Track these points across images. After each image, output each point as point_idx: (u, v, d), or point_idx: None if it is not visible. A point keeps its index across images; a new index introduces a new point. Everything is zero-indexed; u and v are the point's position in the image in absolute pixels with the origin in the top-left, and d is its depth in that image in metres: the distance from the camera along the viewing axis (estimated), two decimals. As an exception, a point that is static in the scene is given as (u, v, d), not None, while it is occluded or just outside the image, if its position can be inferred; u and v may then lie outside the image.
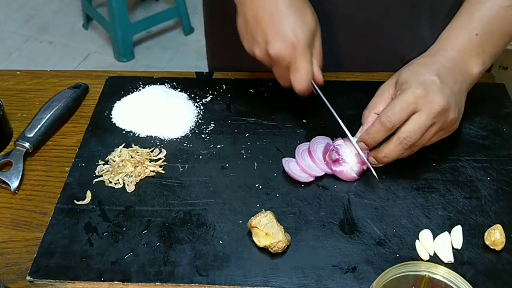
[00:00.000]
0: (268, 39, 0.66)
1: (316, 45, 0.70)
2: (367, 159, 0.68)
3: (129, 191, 0.69)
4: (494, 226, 0.62)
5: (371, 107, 0.70)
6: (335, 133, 0.75)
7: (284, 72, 0.70)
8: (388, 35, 0.86)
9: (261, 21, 0.67)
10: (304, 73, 0.68)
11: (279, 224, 0.62)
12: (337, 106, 0.75)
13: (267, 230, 0.60)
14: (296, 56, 0.67)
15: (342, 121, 0.71)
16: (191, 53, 2.56)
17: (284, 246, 0.61)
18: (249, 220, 0.62)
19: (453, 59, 0.69)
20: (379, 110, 0.68)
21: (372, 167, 0.68)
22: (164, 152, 0.74)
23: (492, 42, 0.71)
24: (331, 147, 0.71)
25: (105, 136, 0.77)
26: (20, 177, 0.72)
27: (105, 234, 0.64)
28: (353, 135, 0.71)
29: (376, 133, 0.66)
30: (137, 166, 0.71)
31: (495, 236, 0.61)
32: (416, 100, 0.64)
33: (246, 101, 0.82)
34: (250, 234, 0.63)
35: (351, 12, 0.83)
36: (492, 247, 0.61)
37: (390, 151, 0.66)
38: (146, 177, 0.71)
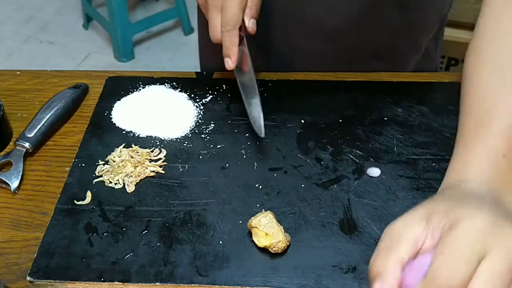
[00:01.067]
0: None
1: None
2: None
3: (129, 191, 0.69)
4: None
5: (394, 251, 0.45)
6: (334, 134, 0.75)
7: (215, 17, 0.71)
8: (358, 34, 0.86)
9: None
10: (233, 11, 0.68)
11: (279, 224, 0.62)
12: (337, 106, 0.75)
13: (267, 230, 0.60)
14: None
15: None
16: (191, 53, 2.56)
17: (284, 246, 0.61)
18: (249, 220, 0.62)
19: (484, 195, 0.49)
20: (406, 257, 0.44)
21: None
22: (164, 152, 0.74)
23: None
24: None
25: (105, 136, 0.77)
26: (20, 177, 0.72)
27: (105, 234, 0.64)
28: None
29: None
30: (137, 166, 0.71)
31: None
32: (482, 238, 0.42)
33: (246, 101, 0.81)
34: (250, 234, 0.63)
35: (320, 17, 0.83)
36: None
37: None
38: (146, 177, 0.71)
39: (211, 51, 0.99)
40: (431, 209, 0.46)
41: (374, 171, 0.70)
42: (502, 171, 0.51)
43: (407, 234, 0.45)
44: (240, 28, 0.71)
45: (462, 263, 0.41)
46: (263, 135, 0.70)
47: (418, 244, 0.44)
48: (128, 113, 0.80)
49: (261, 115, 0.70)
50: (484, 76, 0.56)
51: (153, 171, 0.71)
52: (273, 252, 0.61)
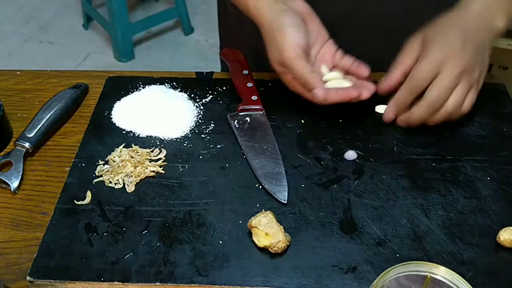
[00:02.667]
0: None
1: (314, 51, 0.76)
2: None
3: (129, 191, 0.69)
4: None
5: (399, 63, 0.74)
6: (334, 134, 0.75)
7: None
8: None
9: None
10: (297, 71, 0.71)
11: (279, 224, 0.62)
12: (338, 105, 0.75)
13: (267, 230, 0.60)
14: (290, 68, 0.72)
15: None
16: (191, 53, 2.56)
17: (284, 246, 0.61)
18: (249, 220, 0.62)
19: (478, 13, 0.71)
20: (405, 67, 0.72)
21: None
22: (164, 152, 0.74)
23: None
24: None
25: (105, 136, 0.77)
26: (20, 177, 0.72)
27: (105, 234, 0.64)
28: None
29: (404, 100, 0.72)
30: (137, 166, 0.71)
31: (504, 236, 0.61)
32: (439, 62, 0.68)
33: (246, 101, 0.81)
34: (250, 234, 0.63)
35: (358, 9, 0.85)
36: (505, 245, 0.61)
37: (421, 114, 0.71)
38: (146, 177, 0.71)
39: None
40: (426, 36, 0.72)
41: (350, 154, 0.73)
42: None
43: (411, 53, 0.73)
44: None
45: (424, 76, 0.69)
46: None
47: (413, 58, 0.72)
48: (128, 113, 0.80)
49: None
50: None
51: (153, 171, 0.71)
52: (273, 252, 0.61)
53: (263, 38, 0.74)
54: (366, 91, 0.73)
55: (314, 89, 0.71)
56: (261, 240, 0.61)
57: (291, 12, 0.73)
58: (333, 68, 0.77)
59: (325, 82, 0.75)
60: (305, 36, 0.72)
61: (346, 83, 0.75)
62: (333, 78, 0.76)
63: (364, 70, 0.75)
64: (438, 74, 0.69)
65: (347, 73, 0.77)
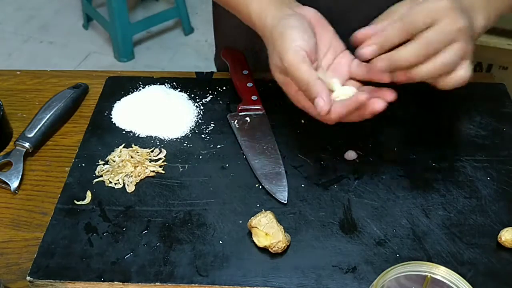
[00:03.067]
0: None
1: (326, 63, 0.67)
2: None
3: (129, 191, 0.69)
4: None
5: (381, 18, 0.63)
6: (335, 133, 0.75)
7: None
8: None
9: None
10: (298, 77, 0.61)
11: (279, 224, 0.62)
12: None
13: (267, 230, 0.60)
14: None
15: None
16: (191, 53, 2.56)
17: (284, 246, 0.61)
18: (249, 220, 0.62)
19: (467, 4, 0.63)
20: (396, 18, 0.61)
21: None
22: (164, 152, 0.74)
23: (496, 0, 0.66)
24: None
25: (105, 136, 0.77)
26: (20, 177, 0.72)
27: (105, 234, 0.64)
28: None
29: (394, 33, 0.59)
30: (137, 166, 0.71)
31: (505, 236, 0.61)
32: (439, 10, 0.58)
33: (246, 101, 0.82)
34: (250, 234, 0.63)
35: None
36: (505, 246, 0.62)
37: (412, 51, 0.58)
38: (146, 177, 0.71)
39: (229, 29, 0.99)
40: None
41: (350, 155, 0.72)
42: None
43: (395, 10, 0.62)
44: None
45: (425, 16, 0.58)
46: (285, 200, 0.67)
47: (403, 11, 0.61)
48: (128, 113, 0.80)
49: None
50: None
51: (153, 171, 0.71)
52: (273, 252, 0.61)
53: (267, 48, 0.67)
54: (380, 101, 0.60)
55: (316, 99, 0.60)
56: (261, 240, 0.61)
57: (296, 16, 0.65)
58: (348, 81, 0.67)
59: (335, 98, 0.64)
60: (309, 39, 0.63)
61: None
62: (344, 94, 0.63)
63: (386, 76, 0.63)
64: (436, 21, 0.58)
65: (366, 83, 0.66)
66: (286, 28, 0.63)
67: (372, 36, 0.61)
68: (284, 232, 0.61)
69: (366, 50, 0.61)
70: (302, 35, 0.63)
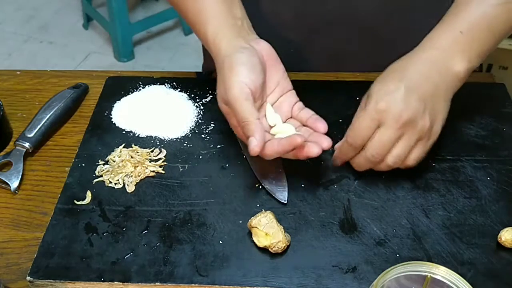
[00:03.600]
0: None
1: (271, 99, 0.69)
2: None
3: (129, 191, 0.69)
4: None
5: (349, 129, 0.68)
6: (334, 134, 0.75)
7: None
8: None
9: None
10: (240, 113, 0.63)
11: (279, 224, 0.62)
12: (337, 106, 0.75)
13: (267, 230, 0.60)
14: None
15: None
16: (191, 53, 2.56)
17: (284, 246, 0.61)
18: (249, 220, 0.62)
19: (432, 59, 0.66)
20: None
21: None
22: (164, 152, 0.74)
23: (479, 40, 0.67)
24: None
25: (105, 136, 0.77)
26: (20, 177, 0.72)
27: (105, 234, 0.64)
28: None
29: (346, 152, 0.68)
30: (137, 166, 0.71)
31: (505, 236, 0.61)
32: (378, 115, 0.63)
33: (246, 101, 0.81)
34: (250, 234, 0.63)
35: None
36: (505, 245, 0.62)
37: (361, 165, 0.67)
38: (146, 177, 0.71)
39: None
40: (369, 89, 0.67)
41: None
42: (457, 42, 0.66)
43: (360, 108, 0.67)
44: None
45: (363, 130, 0.64)
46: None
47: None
48: (128, 113, 0.80)
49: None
50: None
51: (153, 171, 0.71)
52: (273, 252, 0.61)
53: (217, 72, 0.67)
54: (316, 146, 0.62)
55: (250, 137, 0.61)
56: (261, 240, 0.61)
57: (248, 51, 0.65)
58: (290, 119, 0.70)
59: (274, 134, 0.67)
60: (257, 78, 0.65)
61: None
62: (283, 132, 0.66)
63: (322, 126, 0.67)
64: (379, 126, 0.63)
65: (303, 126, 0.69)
66: (237, 64, 0.64)
67: (336, 152, 0.70)
68: (284, 232, 0.61)
69: (334, 163, 0.71)
70: (250, 74, 0.64)
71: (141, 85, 0.85)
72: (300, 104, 0.70)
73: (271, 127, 0.67)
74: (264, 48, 0.68)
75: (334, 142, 0.75)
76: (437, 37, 0.68)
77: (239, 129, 0.65)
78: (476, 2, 0.67)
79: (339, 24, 0.85)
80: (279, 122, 0.67)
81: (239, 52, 0.65)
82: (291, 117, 0.70)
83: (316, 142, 0.64)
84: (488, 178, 0.70)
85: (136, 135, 0.77)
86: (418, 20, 0.84)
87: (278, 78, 0.69)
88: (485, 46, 0.68)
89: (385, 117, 0.63)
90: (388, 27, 0.85)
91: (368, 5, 0.83)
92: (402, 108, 0.62)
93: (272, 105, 0.69)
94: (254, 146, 0.61)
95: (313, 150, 0.62)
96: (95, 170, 0.72)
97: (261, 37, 0.71)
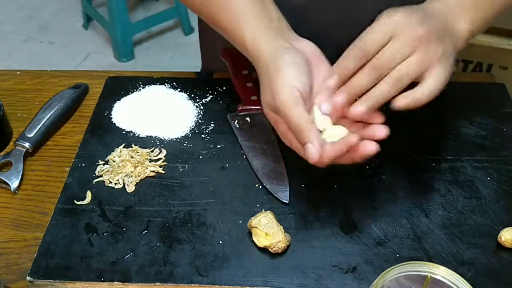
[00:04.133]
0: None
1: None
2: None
3: (129, 191, 0.69)
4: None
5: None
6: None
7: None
8: None
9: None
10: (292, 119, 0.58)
11: (279, 224, 0.62)
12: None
13: (267, 230, 0.60)
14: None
15: None
16: (191, 53, 2.56)
17: (284, 246, 0.61)
18: (249, 220, 0.62)
19: (439, 10, 0.63)
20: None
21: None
22: (164, 152, 0.74)
23: (481, 4, 0.65)
24: None
25: (105, 136, 0.77)
26: (20, 177, 0.72)
27: (105, 234, 0.64)
28: None
29: (347, 59, 0.59)
30: (137, 166, 0.71)
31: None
32: (394, 24, 0.58)
33: (246, 101, 0.82)
34: (250, 234, 0.63)
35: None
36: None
37: (363, 80, 0.58)
38: (146, 177, 0.71)
39: (212, 51, 0.99)
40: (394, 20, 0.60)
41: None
42: (462, 1, 0.64)
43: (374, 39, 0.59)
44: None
45: (373, 36, 0.58)
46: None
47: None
48: (128, 113, 0.80)
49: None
50: None
51: (153, 171, 0.71)
52: (273, 252, 0.61)
53: (259, 78, 0.64)
54: (371, 144, 0.58)
55: (307, 144, 0.57)
56: (261, 240, 0.61)
57: (293, 51, 0.62)
58: (341, 119, 0.63)
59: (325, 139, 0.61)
60: (305, 79, 0.60)
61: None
62: (335, 135, 0.60)
63: (378, 117, 0.60)
64: (390, 38, 0.58)
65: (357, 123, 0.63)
66: (283, 65, 0.60)
67: (336, 72, 0.60)
68: (284, 232, 0.61)
69: (336, 99, 0.59)
70: (299, 75, 0.60)
71: (141, 85, 0.85)
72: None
73: (320, 131, 0.60)
74: (307, 46, 0.64)
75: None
76: None
77: (289, 136, 0.61)
78: None
79: (340, 28, 0.85)
80: (329, 125, 0.61)
81: (283, 53, 0.61)
82: (342, 117, 0.62)
83: (372, 135, 0.59)
84: (488, 178, 0.70)
85: (136, 135, 0.77)
86: None
87: (324, 77, 0.63)
88: (486, 12, 0.66)
89: (399, 29, 0.58)
90: None
91: (368, 10, 0.82)
92: (418, 23, 0.58)
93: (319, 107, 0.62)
94: (314, 153, 0.56)
95: (369, 148, 0.58)
96: (95, 170, 0.72)
97: None
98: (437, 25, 0.61)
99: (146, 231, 0.64)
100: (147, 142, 0.76)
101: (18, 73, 0.90)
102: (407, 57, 0.58)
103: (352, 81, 0.59)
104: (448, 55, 0.60)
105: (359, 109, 0.58)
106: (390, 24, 0.58)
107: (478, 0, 0.65)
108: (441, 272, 0.52)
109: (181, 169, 0.72)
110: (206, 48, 1.02)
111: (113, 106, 0.81)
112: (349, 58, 0.59)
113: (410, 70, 0.58)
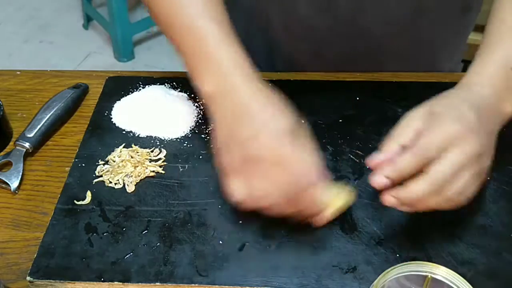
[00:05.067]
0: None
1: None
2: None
3: (129, 191, 0.69)
4: None
5: (395, 136, 0.60)
6: (334, 134, 0.75)
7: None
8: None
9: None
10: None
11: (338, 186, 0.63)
12: (337, 106, 0.75)
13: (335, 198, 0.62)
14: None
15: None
16: (191, 53, 2.56)
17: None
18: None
19: (488, 96, 0.61)
20: (405, 141, 0.58)
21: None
22: (164, 152, 0.74)
23: None
24: None
25: (105, 136, 0.77)
26: (20, 177, 0.72)
27: (105, 234, 0.64)
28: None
29: (407, 165, 0.56)
30: (137, 166, 0.71)
31: None
32: (454, 136, 0.56)
33: (246, 101, 0.81)
34: (250, 234, 0.63)
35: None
36: None
37: (421, 190, 0.55)
38: (146, 177, 0.71)
39: None
40: (433, 108, 0.59)
41: None
42: (509, 80, 0.62)
43: (411, 125, 0.59)
44: None
45: (438, 144, 0.55)
46: None
47: (415, 131, 0.58)
48: (128, 113, 0.80)
49: None
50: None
51: (153, 171, 0.71)
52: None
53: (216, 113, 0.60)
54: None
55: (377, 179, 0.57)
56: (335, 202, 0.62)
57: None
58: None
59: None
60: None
61: None
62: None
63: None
64: (447, 150, 0.55)
65: None
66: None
67: (384, 165, 0.57)
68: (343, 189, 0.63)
69: (379, 181, 0.57)
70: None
71: (141, 85, 0.85)
72: None
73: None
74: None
75: (334, 141, 0.75)
76: (489, 71, 0.63)
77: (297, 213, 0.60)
78: None
79: (345, 36, 0.85)
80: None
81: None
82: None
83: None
84: (488, 178, 0.70)
85: (136, 135, 0.77)
86: (426, 30, 0.84)
87: None
88: None
89: (459, 141, 0.56)
90: (395, 38, 0.85)
91: (375, 16, 0.82)
92: (476, 136, 0.56)
93: None
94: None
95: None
96: (95, 170, 0.72)
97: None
98: (487, 126, 0.59)
99: (146, 231, 0.64)
100: (147, 142, 0.76)
101: (18, 73, 0.90)
102: (462, 171, 0.56)
103: (402, 192, 0.57)
104: (493, 146, 0.61)
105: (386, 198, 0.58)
106: (450, 134, 0.56)
107: None
108: (441, 272, 0.52)
109: (181, 169, 0.72)
110: None
111: (113, 106, 0.81)
112: (405, 163, 0.56)
113: (459, 189, 0.56)
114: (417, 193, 0.55)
